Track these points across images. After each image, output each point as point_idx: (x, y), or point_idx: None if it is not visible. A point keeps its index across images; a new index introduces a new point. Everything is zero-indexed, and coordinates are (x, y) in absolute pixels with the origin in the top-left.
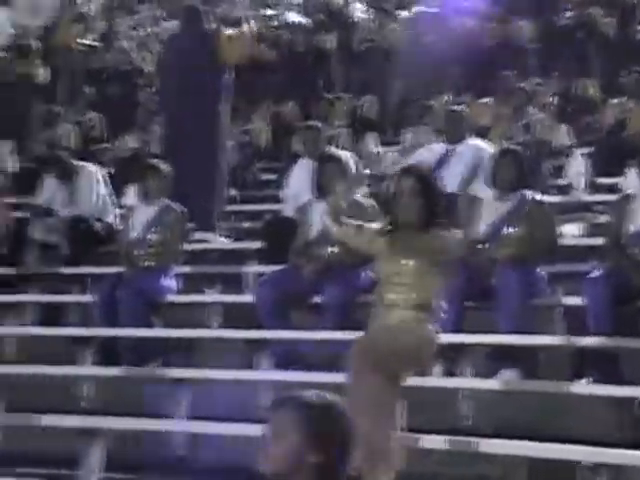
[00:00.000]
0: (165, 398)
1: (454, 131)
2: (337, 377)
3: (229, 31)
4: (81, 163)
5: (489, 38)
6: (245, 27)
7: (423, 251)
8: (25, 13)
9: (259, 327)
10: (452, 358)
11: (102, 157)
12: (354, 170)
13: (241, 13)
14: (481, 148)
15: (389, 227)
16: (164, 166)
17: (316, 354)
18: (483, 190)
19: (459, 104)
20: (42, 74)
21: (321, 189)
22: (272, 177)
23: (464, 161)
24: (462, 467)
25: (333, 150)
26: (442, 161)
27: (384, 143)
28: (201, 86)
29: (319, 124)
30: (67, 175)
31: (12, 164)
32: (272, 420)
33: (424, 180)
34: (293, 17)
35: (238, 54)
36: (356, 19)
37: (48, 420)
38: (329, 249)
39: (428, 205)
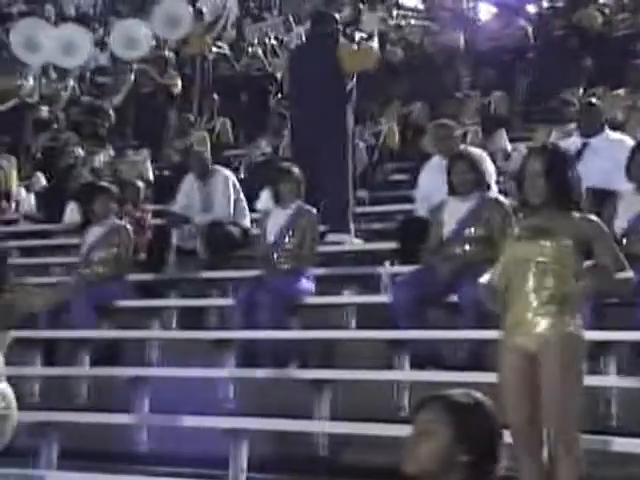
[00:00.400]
0: (305, 399)
1: (590, 124)
2: (477, 376)
3: (352, 46)
4: (217, 167)
5: (620, 29)
6: (370, 43)
7: (564, 232)
8: (163, 26)
9: (395, 327)
10: (595, 356)
11: (234, 163)
12: (487, 168)
13: (367, 27)
14: (619, 140)
15: (520, 209)
16: (297, 170)
17: (455, 354)
18: (622, 184)
19: (592, 97)
20: (177, 84)
21: (454, 187)
22: (403, 177)
23: (602, 155)
24: (611, 468)
25: (466, 148)
26: (578, 155)
27: (514, 139)
28: (326, 91)
29: (451, 122)
30: (205, 175)
31: (150, 172)
32: (419, 419)
33: (558, 157)
34: (417, 20)
35: (359, 67)
36: (482, 18)
37: (192, 421)
38: (464, 247)
39: (562, 184)
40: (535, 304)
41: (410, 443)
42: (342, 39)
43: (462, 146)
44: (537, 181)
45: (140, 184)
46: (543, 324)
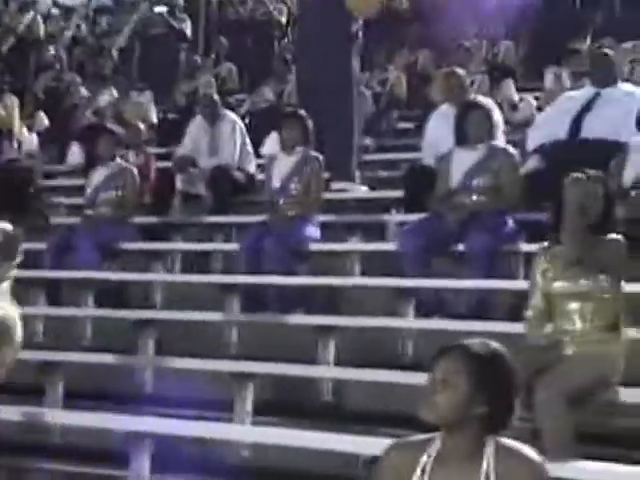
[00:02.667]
0: (310, 345)
1: (603, 74)
2: (482, 325)
3: None
4: (225, 111)
5: None
6: None
7: (597, 264)
8: None
9: (400, 275)
10: None
11: (239, 108)
12: (497, 118)
13: None
14: (631, 92)
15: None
16: (303, 115)
17: (460, 302)
18: (634, 136)
19: (599, 47)
20: (188, 26)
21: (466, 136)
22: (409, 125)
23: (614, 106)
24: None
25: (477, 97)
26: (589, 105)
27: (521, 89)
28: (331, 36)
29: (460, 70)
30: (214, 118)
31: (153, 115)
32: (437, 368)
33: (604, 183)
34: None
35: (365, 7)
36: None
37: (198, 364)
38: (472, 197)
39: (607, 208)
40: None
41: (428, 391)
42: None
43: (472, 95)
44: (594, 206)
45: (141, 126)
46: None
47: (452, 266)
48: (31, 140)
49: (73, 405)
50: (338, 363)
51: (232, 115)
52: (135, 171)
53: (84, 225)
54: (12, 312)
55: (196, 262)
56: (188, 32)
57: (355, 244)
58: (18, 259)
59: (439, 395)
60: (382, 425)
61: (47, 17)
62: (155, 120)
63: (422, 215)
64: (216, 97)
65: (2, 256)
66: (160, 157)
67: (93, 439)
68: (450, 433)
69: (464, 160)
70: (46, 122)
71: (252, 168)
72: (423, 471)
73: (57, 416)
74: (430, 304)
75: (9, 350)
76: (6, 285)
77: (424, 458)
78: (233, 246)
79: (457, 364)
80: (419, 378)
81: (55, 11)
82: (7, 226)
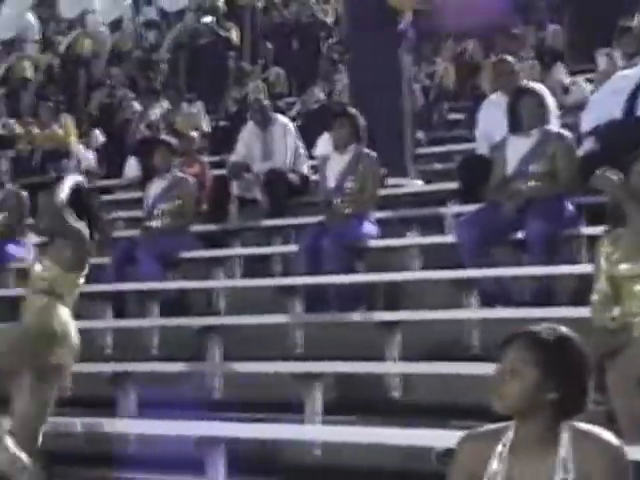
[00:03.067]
0: (374, 341)
1: None
2: (546, 312)
3: None
4: (276, 115)
5: None
6: None
7: None
8: None
9: (460, 267)
10: None
11: (289, 111)
12: (550, 102)
13: None
14: None
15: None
16: (354, 113)
17: (522, 290)
18: None
19: None
20: (234, 34)
21: (518, 123)
22: (459, 116)
23: None
24: None
25: (529, 83)
26: None
27: (571, 72)
28: (381, 33)
29: (509, 57)
30: (265, 123)
31: (206, 124)
32: (505, 357)
33: None
34: None
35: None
36: None
37: (265, 367)
38: (528, 183)
39: None
40: None
41: (496, 381)
42: None
43: (523, 81)
44: None
45: (194, 135)
46: None
47: (512, 254)
48: (89, 157)
49: (145, 414)
50: (404, 358)
51: (283, 118)
52: (192, 180)
53: (144, 237)
54: (71, 324)
55: (256, 266)
56: (235, 39)
57: (413, 238)
58: (85, 270)
59: (508, 384)
60: (452, 417)
61: (93, 34)
62: (207, 129)
63: (479, 205)
64: (266, 102)
65: (74, 265)
66: (214, 165)
67: (168, 446)
68: (523, 421)
69: (519, 147)
70: (102, 138)
71: (306, 169)
72: (499, 460)
73: (132, 425)
74: (492, 294)
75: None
76: (75, 294)
77: (499, 447)
78: (292, 248)
79: (524, 352)
80: (486, 368)
81: (102, 28)
82: (86, 234)
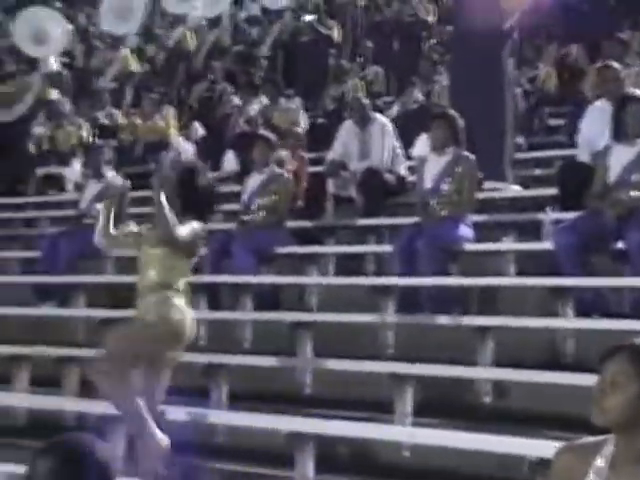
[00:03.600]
0: (467, 345)
1: None
2: None
3: None
4: (375, 114)
5: None
6: None
7: None
8: None
9: (557, 274)
10: None
11: (387, 110)
12: None
13: None
14: None
15: None
16: (453, 115)
17: (621, 301)
18: None
19: None
20: (335, 32)
21: (622, 131)
22: (560, 122)
23: None
24: None
25: (635, 91)
26: None
27: None
28: (486, 34)
29: (615, 63)
30: (364, 121)
31: (304, 120)
32: (605, 370)
33: None
34: None
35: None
36: None
37: (356, 365)
38: (631, 193)
39: None
40: None
41: (597, 394)
42: None
43: (629, 89)
44: None
45: (299, 130)
46: None
47: (611, 264)
48: (188, 149)
49: (236, 406)
50: (496, 364)
51: (382, 118)
52: (289, 176)
53: (240, 231)
54: (188, 315)
55: (349, 265)
56: (336, 37)
57: (510, 244)
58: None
59: (609, 398)
60: (543, 426)
61: (196, 30)
62: (305, 125)
63: (578, 213)
64: (365, 101)
65: (186, 252)
66: (311, 162)
67: (257, 439)
68: (623, 435)
69: (622, 155)
70: (201, 131)
71: (403, 170)
72: (597, 475)
73: (222, 417)
74: (590, 303)
75: (179, 352)
76: (185, 283)
77: (598, 462)
78: (386, 248)
79: (625, 365)
80: (580, 379)
81: (204, 23)
82: (196, 225)
